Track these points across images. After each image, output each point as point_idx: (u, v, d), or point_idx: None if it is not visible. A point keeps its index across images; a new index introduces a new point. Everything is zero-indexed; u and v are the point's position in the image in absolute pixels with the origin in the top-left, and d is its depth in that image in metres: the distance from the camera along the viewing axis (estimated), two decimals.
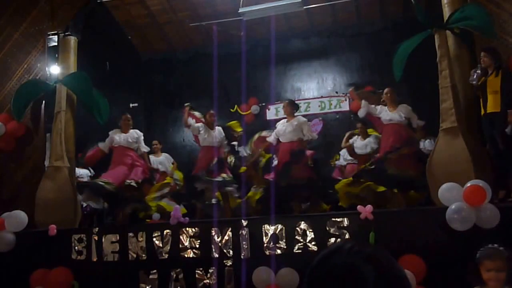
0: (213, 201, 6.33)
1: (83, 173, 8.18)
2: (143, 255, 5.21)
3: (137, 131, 6.83)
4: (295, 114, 6.54)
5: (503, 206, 4.38)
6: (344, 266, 0.91)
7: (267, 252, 4.80)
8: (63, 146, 6.44)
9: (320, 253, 0.98)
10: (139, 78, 11.09)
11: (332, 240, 4.63)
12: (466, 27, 5.35)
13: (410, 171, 5.52)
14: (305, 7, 8.01)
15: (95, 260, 5.35)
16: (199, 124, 6.62)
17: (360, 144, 7.03)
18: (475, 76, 5.17)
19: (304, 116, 9.87)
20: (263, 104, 10.23)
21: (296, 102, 7.26)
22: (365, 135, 7.05)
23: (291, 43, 10.37)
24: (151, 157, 7.49)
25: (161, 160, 8.00)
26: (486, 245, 2.91)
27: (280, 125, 6.43)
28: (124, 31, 10.33)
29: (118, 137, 6.58)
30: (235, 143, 7.34)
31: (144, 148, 6.82)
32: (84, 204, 7.43)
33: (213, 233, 4.99)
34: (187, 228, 5.12)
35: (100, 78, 7.86)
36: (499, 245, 2.87)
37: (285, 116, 6.67)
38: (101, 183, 6.14)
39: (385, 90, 6.14)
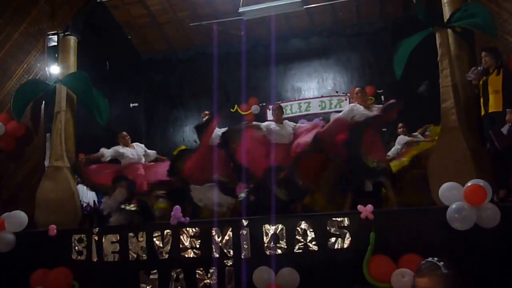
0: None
1: None
2: (144, 255, 5.19)
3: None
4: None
5: (503, 206, 4.37)
6: None
7: (268, 252, 4.78)
8: (63, 146, 6.43)
9: None
10: (139, 78, 11.09)
11: (333, 239, 4.61)
12: (468, 26, 5.32)
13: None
14: (305, 7, 8.02)
15: (95, 260, 5.33)
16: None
17: None
18: (472, 72, 5.15)
19: (304, 116, 10.01)
20: (264, 104, 10.24)
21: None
22: None
23: (291, 43, 10.38)
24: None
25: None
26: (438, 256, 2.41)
27: (273, 125, 6.07)
28: (124, 31, 10.34)
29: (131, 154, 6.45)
30: None
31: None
32: (84, 204, 7.42)
33: (214, 233, 4.97)
34: (188, 228, 5.10)
35: (100, 78, 7.86)
36: (440, 259, 2.36)
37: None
38: None
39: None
